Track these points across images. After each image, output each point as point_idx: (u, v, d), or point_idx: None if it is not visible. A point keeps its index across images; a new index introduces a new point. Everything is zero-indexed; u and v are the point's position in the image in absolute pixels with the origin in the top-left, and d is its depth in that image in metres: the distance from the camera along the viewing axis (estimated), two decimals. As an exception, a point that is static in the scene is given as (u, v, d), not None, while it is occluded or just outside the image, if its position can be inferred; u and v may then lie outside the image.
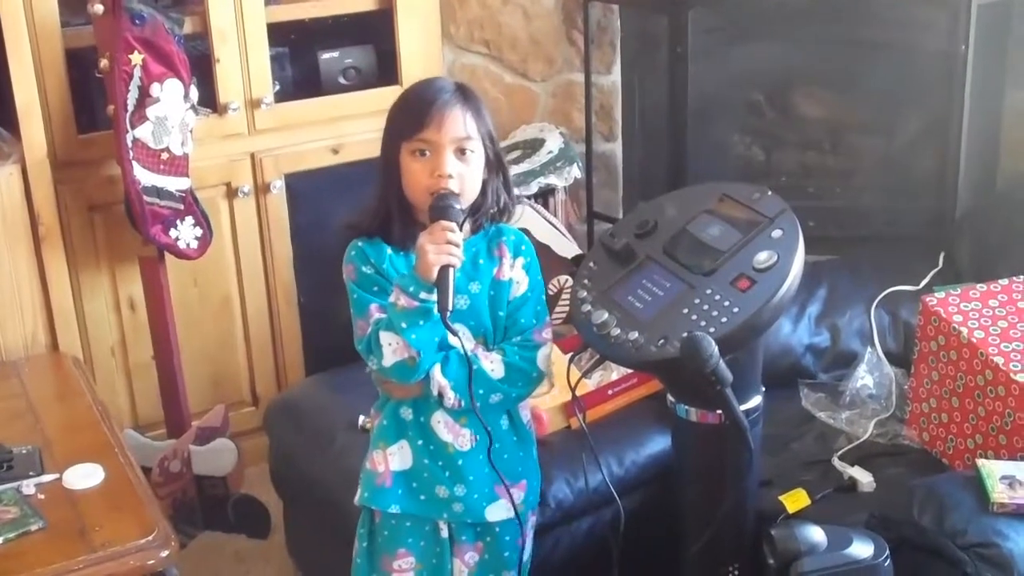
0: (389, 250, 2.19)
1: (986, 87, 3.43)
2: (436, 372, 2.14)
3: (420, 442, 2.22)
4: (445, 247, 2.03)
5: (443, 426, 2.21)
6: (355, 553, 2.35)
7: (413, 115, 2.14)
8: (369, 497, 2.26)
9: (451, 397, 2.15)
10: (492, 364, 2.17)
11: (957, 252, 3.22)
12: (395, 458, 2.23)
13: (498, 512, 2.25)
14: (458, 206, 2.10)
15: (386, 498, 2.24)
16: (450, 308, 2.02)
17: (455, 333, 2.06)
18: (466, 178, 2.14)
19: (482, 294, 2.20)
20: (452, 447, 2.21)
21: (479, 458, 2.22)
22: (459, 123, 2.13)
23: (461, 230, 2.10)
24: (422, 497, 2.24)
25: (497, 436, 2.20)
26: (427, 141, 2.12)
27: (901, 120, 3.74)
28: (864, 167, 3.82)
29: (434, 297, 2.03)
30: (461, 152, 2.13)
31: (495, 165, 2.21)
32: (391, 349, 2.09)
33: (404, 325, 2.05)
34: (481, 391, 2.14)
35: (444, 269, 2.03)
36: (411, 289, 2.03)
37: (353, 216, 2.25)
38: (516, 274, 2.24)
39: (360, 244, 2.20)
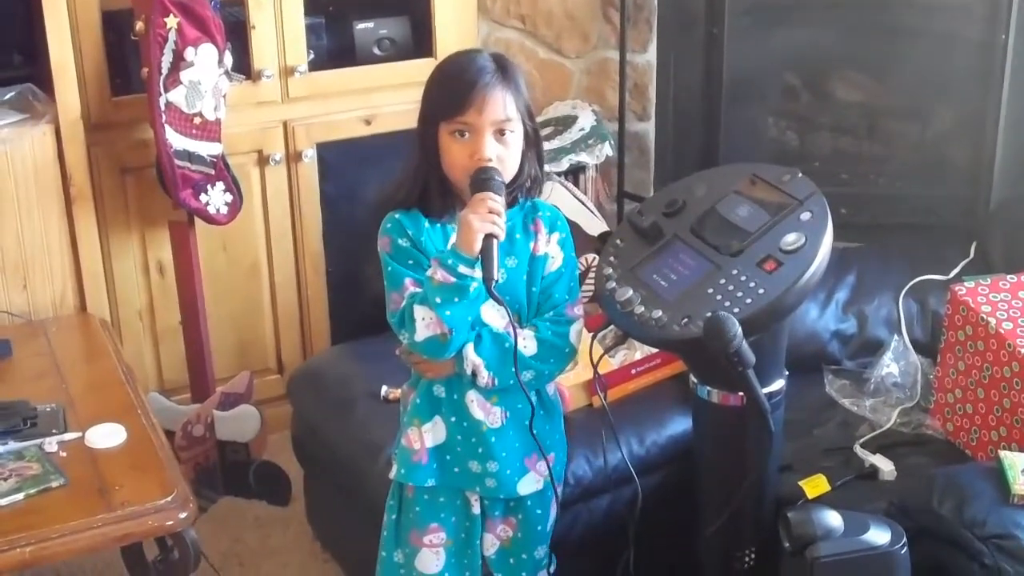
0: (426, 223, 2.17)
1: (1024, 77, 3.40)
2: (470, 351, 2.13)
3: (453, 419, 2.22)
4: (488, 216, 2.02)
5: (476, 404, 2.20)
6: (383, 525, 2.35)
7: (452, 97, 2.11)
8: (406, 474, 2.26)
9: (484, 376, 2.15)
10: (524, 340, 2.16)
11: (989, 243, 3.19)
12: (430, 435, 2.23)
13: (528, 485, 2.26)
14: (499, 178, 2.08)
15: (422, 474, 2.24)
16: (495, 278, 2.01)
17: (501, 303, 2.05)
18: (506, 160, 2.12)
19: (519, 269, 2.19)
20: (485, 425, 2.21)
21: (510, 434, 2.22)
22: (499, 106, 2.10)
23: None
24: (456, 470, 2.24)
25: (527, 410, 2.19)
26: (467, 123, 2.10)
27: (937, 108, 3.71)
28: (898, 154, 3.79)
29: (472, 272, 2.02)
30: (500, 133, 2.11)
31: (532, 139, 2.19)
32: (424, 324, 2.06)
33: (439, 300, 2.03)
34: (513, 368, 2.12)
35: (488, 239, 2.01)
36: (450, 262, 2.01)
37: (389, 189, 2.22)
38: (551, 249, 2.23)
39: (397, 216, 2.17)
